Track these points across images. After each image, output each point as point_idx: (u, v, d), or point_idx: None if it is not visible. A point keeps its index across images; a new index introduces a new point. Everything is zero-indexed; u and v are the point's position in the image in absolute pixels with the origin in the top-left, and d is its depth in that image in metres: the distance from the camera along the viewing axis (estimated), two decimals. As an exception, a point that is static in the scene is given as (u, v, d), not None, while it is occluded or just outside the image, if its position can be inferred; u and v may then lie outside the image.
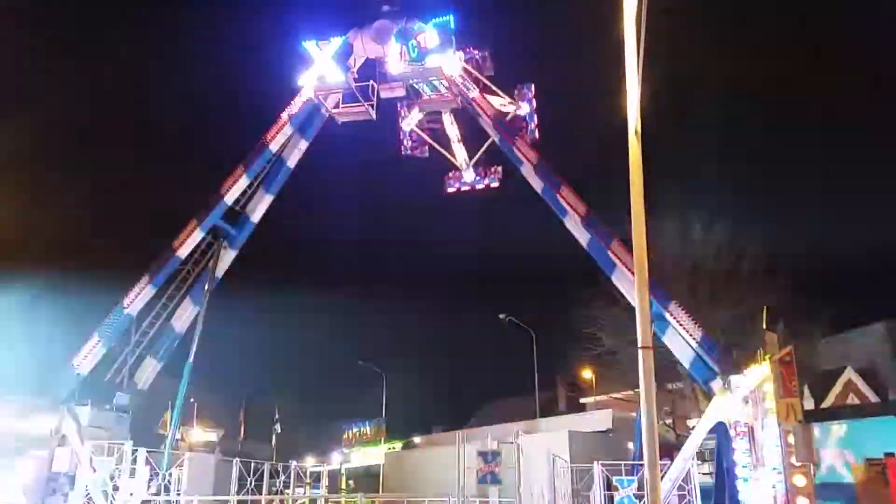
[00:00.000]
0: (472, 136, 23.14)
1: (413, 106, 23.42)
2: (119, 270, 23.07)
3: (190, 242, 21.44)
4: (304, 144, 22.90)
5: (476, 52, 22.23)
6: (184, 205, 22.18)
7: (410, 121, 23.81)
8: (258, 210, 22.97)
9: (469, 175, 23.48)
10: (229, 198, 21.79)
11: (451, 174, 23.85)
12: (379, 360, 53.14)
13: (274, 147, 22.15)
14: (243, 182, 21.98)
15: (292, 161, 22.96)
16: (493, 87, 21.97)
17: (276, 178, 22.96)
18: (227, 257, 22.82)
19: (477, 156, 23.22)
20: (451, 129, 23.19)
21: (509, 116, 21.47)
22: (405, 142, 24.23)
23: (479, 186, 23.56)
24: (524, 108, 21.46)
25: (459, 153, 23.49)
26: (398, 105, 23.84)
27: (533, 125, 21.59)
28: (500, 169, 23.04)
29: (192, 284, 22.19)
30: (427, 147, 24.27)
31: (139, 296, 20.87)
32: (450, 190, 23.90)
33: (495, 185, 23.35)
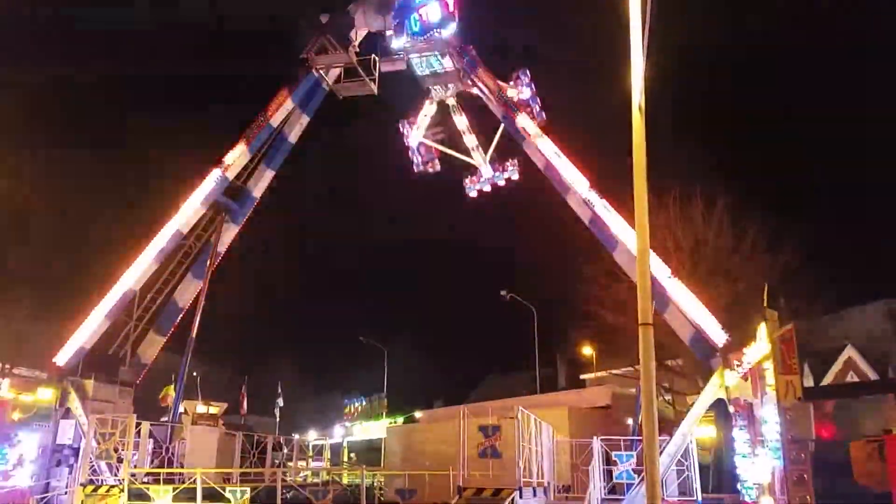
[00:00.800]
0: (483, 130, 22.53)
1: (414, 122, 22.83)
2: (120, 243, 23.10)
3: (191, 217, 21.43)
4: (305, 119, 22.78)
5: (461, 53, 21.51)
6: (184, 178, 22.02)
7: (416, 135, 23.10)
8: (260, 185, 22.96)
9: (487, 171, 22.63)
10: (230, 172, 21.73)
11: (469, 179, 23.00)
12: (380, 335, 53.53)
13: (275, 122, 22.04)
14: (244, 157, 21.92)
15: (293, 136, 22.87)
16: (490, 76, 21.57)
17: (278, 154, 22.91)
18: (229, 232, 22.85)
19: (493, 146, 22.36)
20: (461, 121, 22.51)
21: (514, 100, 21.18)
22: (414, 158, 23.45)
23: (501, 182, 22.62)
24: (525, 93, 21.18)
25: (473, 149, 22.63)
26: (399, 126, 23.20)
27: (538, 108, 21.38)
28: (516, 161, 22.19)
29: (194, 259, 22.27)
30: (438, 160, 23.59)
31: (141, 270, 20.93)
32: (472, 195, 23.01)
33: (515, 177, 22.44)
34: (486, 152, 22.65)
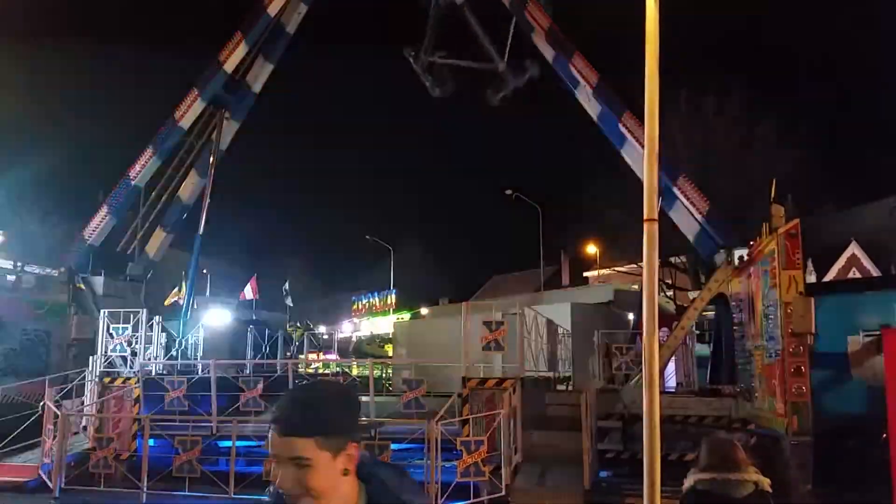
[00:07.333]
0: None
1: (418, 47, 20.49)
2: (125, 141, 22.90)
3: (192, 112, 21.04)
4: (303, 8, 21.84)
5: None
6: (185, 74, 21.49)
7: (423, 60, 20.59)
8: (259, 79, 22.35)
9: (505, 70, 19.77)
10: (229, 66, 21.08)
11: (489, 90, 20.49)
12: (387, 234, 53.94)
13: (272, 11, 21.13)
14: (242, 49, 21.16)
15: (292, 26, 22.00)
16: None
17: (276, 46, 22.13)
18: (231, 128, 22.49)
19: (509, 42, 19.66)
20: (474, 22, 19.91)
21: None
22: (428, 84, 20.98)
23: (521, 84, 19.94)
24: None
25: (488, 50, 19.95)
26: (405, 54, 20.73)
27: None
28: (530, 61, 19.62)
29: (198, 156, 22.06)
30: (452, 80, 21.09)
31: (144, 167, 20.80)
32: (496, 102, 20.55)
33: (536, 74, 19.78)
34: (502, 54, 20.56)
